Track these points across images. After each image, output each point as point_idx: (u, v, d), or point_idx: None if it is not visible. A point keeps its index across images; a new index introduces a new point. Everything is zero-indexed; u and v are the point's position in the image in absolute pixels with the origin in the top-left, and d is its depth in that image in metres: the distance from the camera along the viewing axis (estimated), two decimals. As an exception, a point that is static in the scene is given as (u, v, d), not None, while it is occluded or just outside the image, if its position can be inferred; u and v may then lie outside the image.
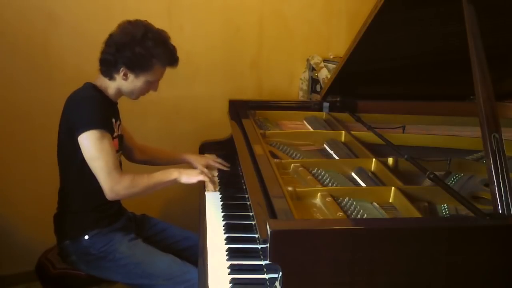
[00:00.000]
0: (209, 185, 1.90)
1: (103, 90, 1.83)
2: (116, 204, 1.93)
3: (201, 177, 1.86)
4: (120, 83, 1.81)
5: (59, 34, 2.40)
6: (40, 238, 2.07)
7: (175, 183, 1.84)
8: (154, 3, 2.56)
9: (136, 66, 1.76)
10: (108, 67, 1.78)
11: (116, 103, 1.90)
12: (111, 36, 1.78)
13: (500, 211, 1.16)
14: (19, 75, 2.38)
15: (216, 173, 2.06)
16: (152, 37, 1.75)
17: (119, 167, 1.80)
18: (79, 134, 1.70)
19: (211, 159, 2.14)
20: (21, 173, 2.49)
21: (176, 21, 2.60)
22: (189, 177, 1.85)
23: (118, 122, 1.90)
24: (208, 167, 2.06)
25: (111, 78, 1.80)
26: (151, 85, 1.85)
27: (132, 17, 1.84)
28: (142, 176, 1.79)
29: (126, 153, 2.09)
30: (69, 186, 1.86)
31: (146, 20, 1.81)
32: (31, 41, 2.37)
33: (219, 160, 2.14)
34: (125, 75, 1.78)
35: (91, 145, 1.70)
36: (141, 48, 1.73)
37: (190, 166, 2.11)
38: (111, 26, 1.81)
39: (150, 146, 2.22)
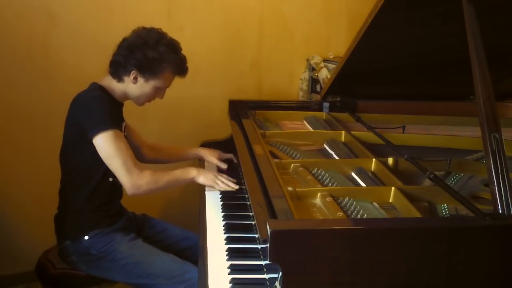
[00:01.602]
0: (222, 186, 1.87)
1: (109, 91, 1.83)
2: (116, 204, 1.93)
3: (215, 185, 1.85)
4: (128, 86, 1.82)
5: (59, 34, 2.40)
6: (40, 238, 2.07)
7: (192, 182, 1.86)
8: (154, 3, 2.56)
9: (147, 70, 1.77)
10: (118, 68, 1.79)
11: (122, 105, 1.91)
12: (124, 39, 1.80)
13: (500, 211, 1.16)
14: (19, 75, 2.38)
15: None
16: (165, 43, 1.78)
17: (137, 163, 1.81)
18: (93, 135, 1.70)
19: (219, 155, 2.12)
20: (21, 173, 2.49)
21: (176, 21, 2.60)
22: (206, 179, 1.85)
23: (123, 123, 1.90)
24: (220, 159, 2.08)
25: (120, 80, 1.81)
26: (158, 92, 1.86)
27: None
28: (162, 172, 1.81)
29: (134, 152, 2.09)
30: (70, 186, 1.86)
31: (160, 28, 1.83)
32: (31, 41, 2.37)
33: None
34: (135, 78, 1.79)
35: (107, 145, 1.70)
36: (153, 52, 1.75)
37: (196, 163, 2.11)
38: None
39: (160, 144, 2.22)
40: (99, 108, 1.74)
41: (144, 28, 1.82)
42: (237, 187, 1.84)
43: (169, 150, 2.22)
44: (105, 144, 1.71)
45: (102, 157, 1.74)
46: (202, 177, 1.86)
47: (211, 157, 2.09)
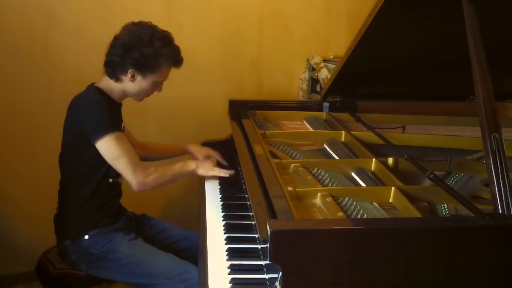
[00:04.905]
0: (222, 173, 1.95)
1: (108, 92, 1.83)
2: (116, 204, 1.93)
3: (215, 173, 1.92)
4: (126, 85, 1.81)
5: (59, 34, 2.40)
6: (40, 238, 2.07)
7: (193, 174, 1.92)
8: (154, 3, 2.56)
9: (144, 67, 1.77)
10: (114, 68, 1.78)
11: (121, 105, 1.91)
12: (116, 38, 1.79)
13: (500, 211, 1.16)
14: (19, 75, 2.38)
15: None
16: (159, 37, 1.77)
17: (140, 161, 1.84)
18: (96, 140, 1.71)
19: (211, 150, 2.17)
20: (21, 173, 2.49)
21: (176, 21, 2.60)
22: (205, 170, 1.93)
23: (122, 124, 1.90)
24: (208, 157, 2.12)
25: (117, 79, 1.80)
26: (156, 86, 1.86)
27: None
28: (164, 167, 1.86)
29: None
30: (69, 187, 1.86)
31: (150, 22, 1.82)
32: (31, 41, 2.37)
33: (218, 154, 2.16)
34: (133, 76, 1.78)
35: (111, 147, 1.72)
36: (149, 49, 1.75)
37: (190, 157, 2.14)
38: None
39: (149, 141, 2.23)
40: (100, 112, 1.74)
41: (133, 24, 1.80)
42: (233, 172, 1.93)
43: (156, 147, 2.23)
44: (109, 147, 1.72)
45: (106, 160, 1.75)
46: (202, 169, 1.92)
47: (200, 155, 2.12)
